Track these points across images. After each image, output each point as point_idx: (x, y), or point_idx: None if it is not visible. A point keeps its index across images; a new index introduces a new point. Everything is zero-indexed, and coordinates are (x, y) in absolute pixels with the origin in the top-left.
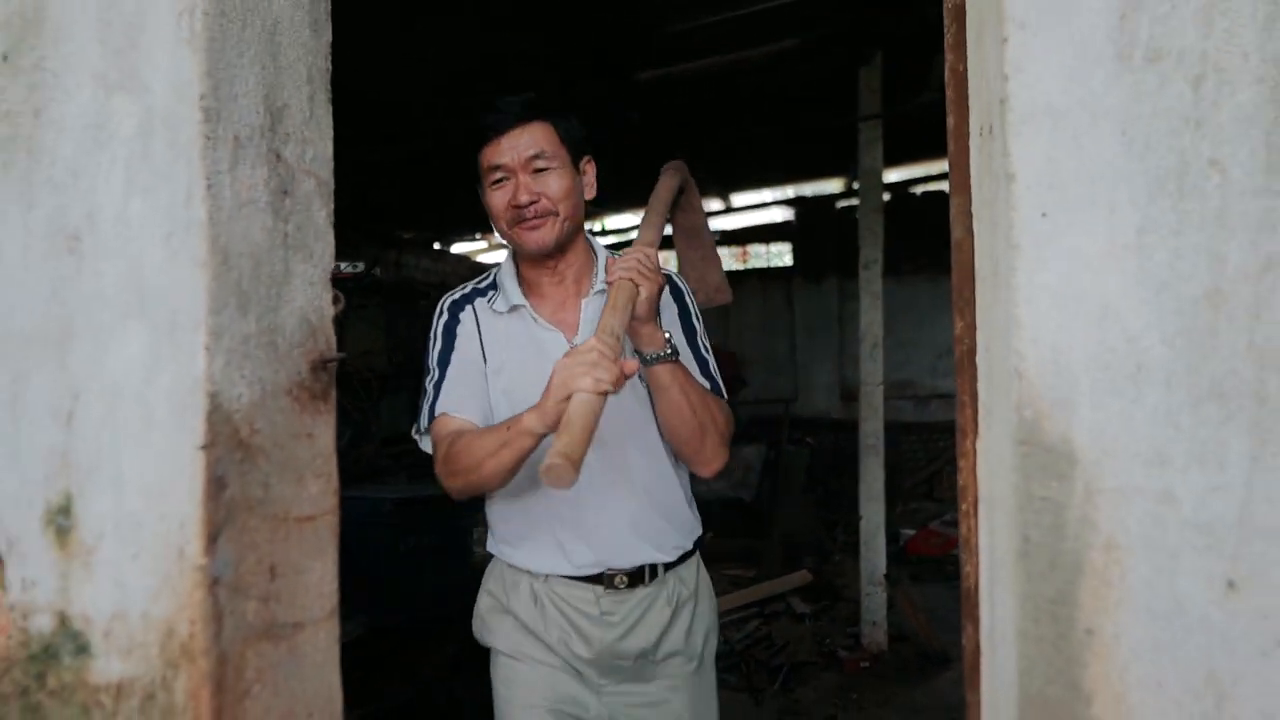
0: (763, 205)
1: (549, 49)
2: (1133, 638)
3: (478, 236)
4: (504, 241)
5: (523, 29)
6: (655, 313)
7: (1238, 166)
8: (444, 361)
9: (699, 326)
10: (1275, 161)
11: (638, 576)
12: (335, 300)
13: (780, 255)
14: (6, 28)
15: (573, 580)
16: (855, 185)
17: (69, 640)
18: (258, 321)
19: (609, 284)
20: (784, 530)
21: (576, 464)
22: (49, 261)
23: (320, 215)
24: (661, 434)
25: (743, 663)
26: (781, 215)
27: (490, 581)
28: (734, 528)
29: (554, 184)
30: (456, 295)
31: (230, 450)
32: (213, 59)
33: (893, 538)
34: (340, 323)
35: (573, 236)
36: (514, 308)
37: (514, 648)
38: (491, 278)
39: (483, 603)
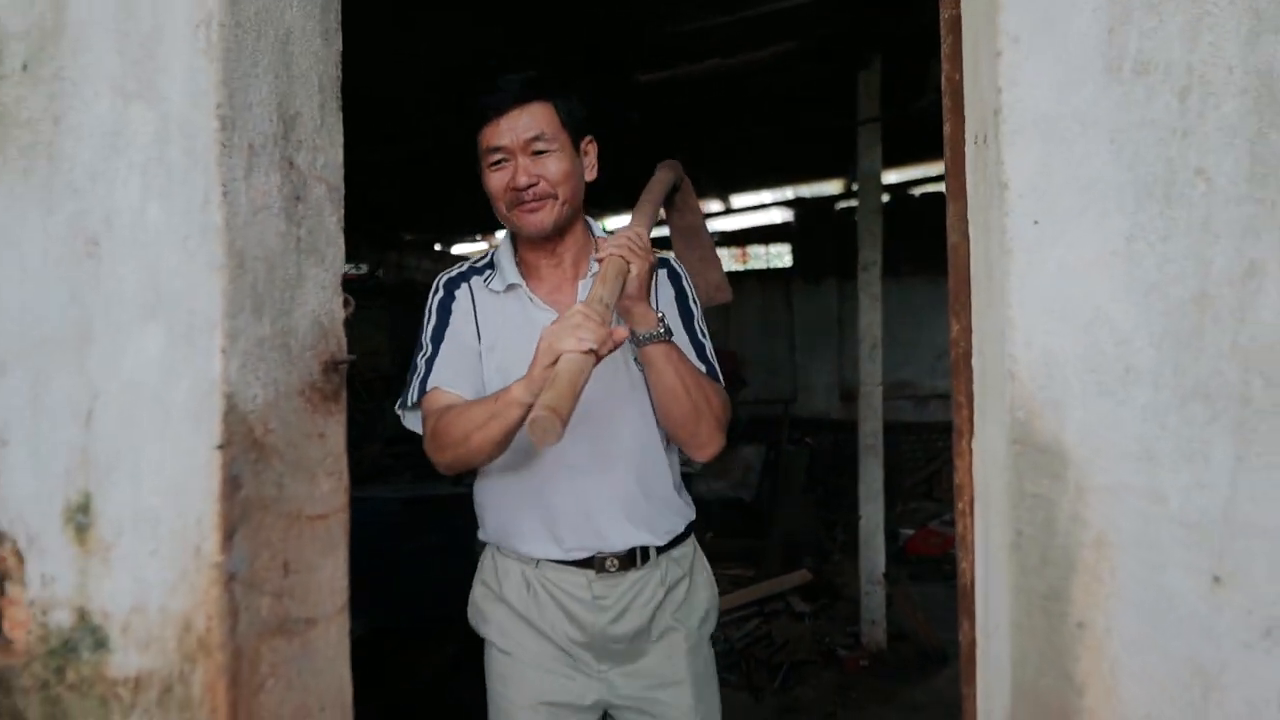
0: (762, 206)
1: (542, 45)
2: (1123, 631)
3: (478, 238)
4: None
5: (516, 25)
6: (647, 292)
7: (1222, 175)
8: (437, 338)
9: (696, 311)
10: (1259, 170)
11: (629, 560)
12: (346, 303)
13: (780, 256)
14: (26, 38)
15: (564, 565)
16: (854, 187)
17: (88, 635)
18: (272, 324)
19: (599, 261)
20: (784, 530)
21: (563, 418)
22: (68, 264)
23: (331, 220)
24: (656, 418)
25: (743, 661)
26: (781, 216)
27: (484, 570)
28: (734, 527)
29: (553, 166)
30: (453, 273)
31: (245, 450)
32: (228, 69)
33: (892, 537)
34: (348, 324)
35: (572, 219)
36: (510, 287)
37: (507, 638)
38: (489, 257)
39: (477, 591)
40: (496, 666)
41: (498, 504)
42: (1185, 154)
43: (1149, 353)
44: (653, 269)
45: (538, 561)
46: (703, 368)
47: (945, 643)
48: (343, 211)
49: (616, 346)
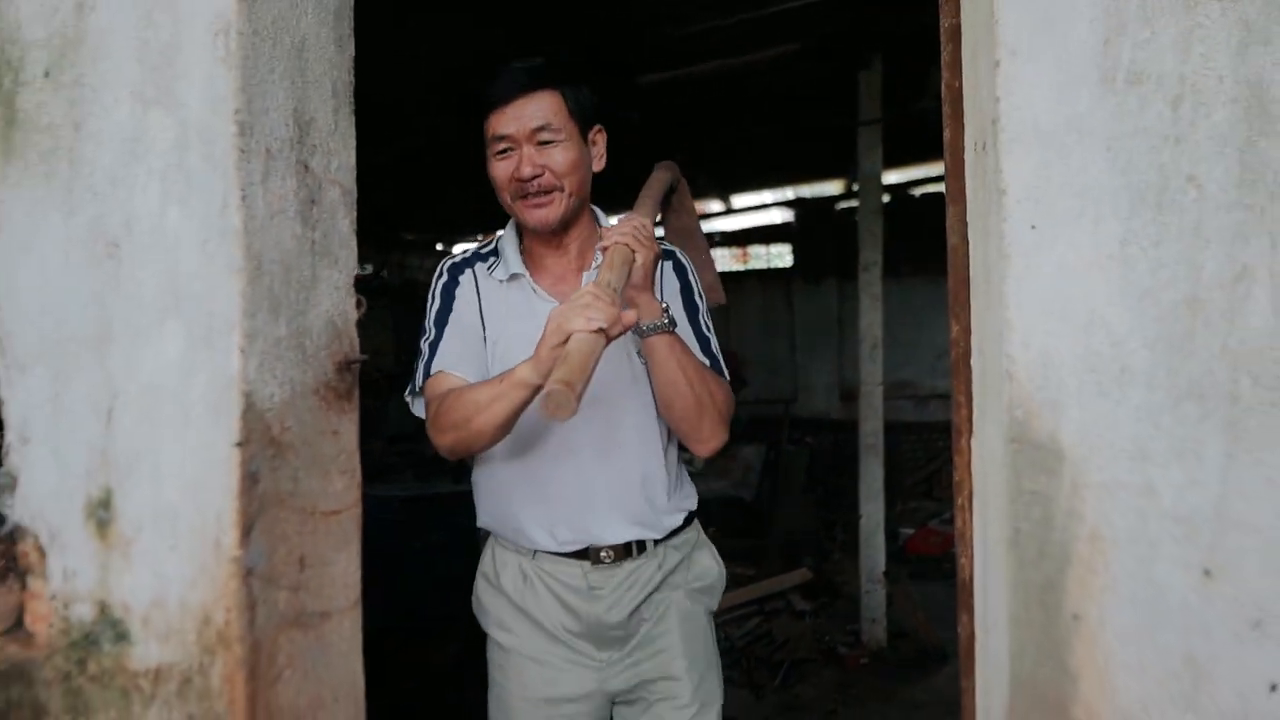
0: (763, 206)
1: (542, 46)
2: (1116, 622)
3: (479, 237)
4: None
5: (517, 26)
6: (652, 282)
7: (1213, 182)
8: (441, 321)
9: (701, 305)
10: (1248, 177)
11: (625, 551)
12: (358, 304)
13: (780, 256)
14: (47, 45)
15: (559, 556)
16: (855, 187)
17: (109, 627)
18: (288, 325)
19: (603, 250)
20: (784, 529)
21: (577, 393)
22: (88, 267)
23: (344, 223)
24: (657, 412)
25: (744, 659)
26: (781, 216)
27: (483, 563)
28: (734, 527)
29: (559, 157)
30: (457, 258)
31: (263, 447)
32: (246, 76)
33: (892, 536)
34: (358, 324)
35: (578, 211)
36: (513, 276)
37: (506, 631)
38: (494, 244)
39: (478, 583)
40: (496, 657)
41: (495, 493)
42: (1177, 161)
43: (1143, 354)
44: (657, 259)
45: (534, 552)
46: (706, 361)
47: (945, 641)
48: (355, 214)
49: (626, 329)
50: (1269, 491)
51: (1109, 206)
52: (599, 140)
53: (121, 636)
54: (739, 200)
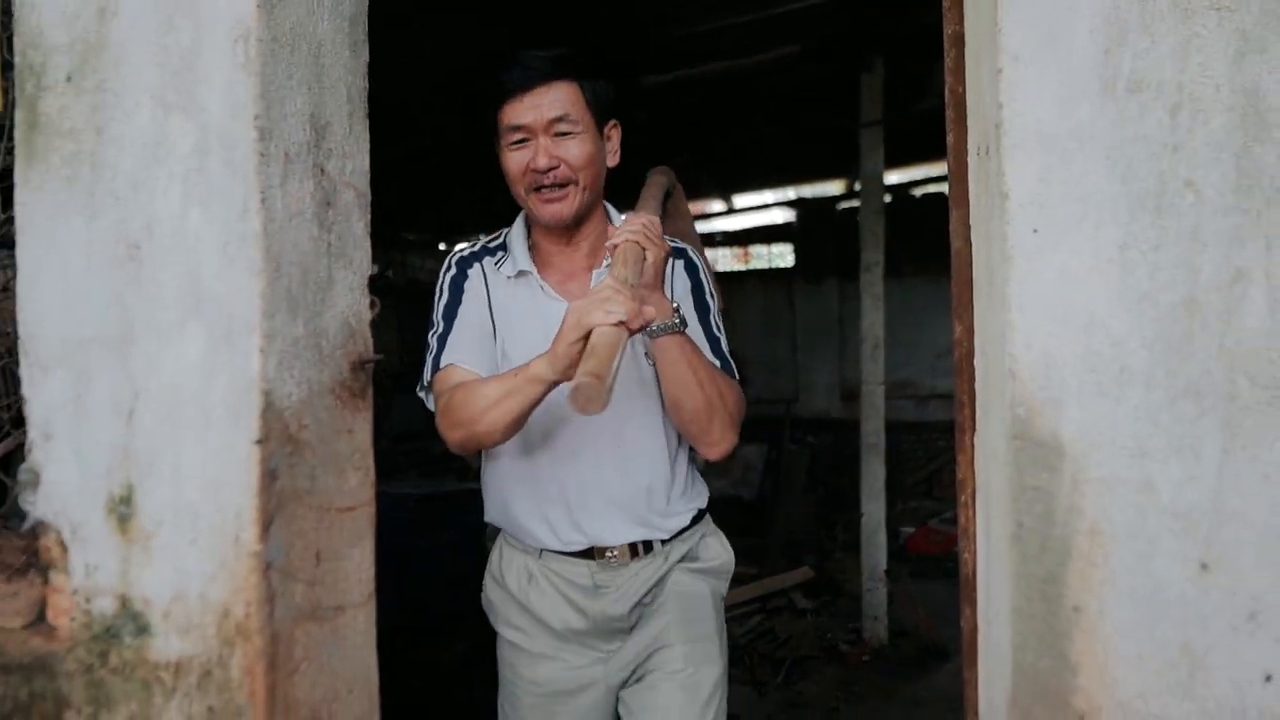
0: (764, 207)
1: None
2: (1115, 614)
3: (480, 237)
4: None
5: (522, 27)
6: (662, 281)
7: (1210, 187)
8: (450, 315)
9: (713, 305)
10: (1244, 183)
11: (632, 551)
12: (372, 304)
13: (782, 256)
14: (69, 51)
15: (565, 555)
16: (856, 187)
17: (130, 621)
18: (305, 325)
19: (613, 247)
20: (785, 528)
21: (606, 385)
22: (110, 269)
23: (359, 225)
24: (665, 414)
25: (746, 656)
26: (783, 216)
27: (492, 561)
28: (736, 526)
29: (575, 150)
30: (465, 252)
31: (281, 445)
32: (265, 81)
33: (892, 535)
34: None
35: (591, 207)
36: (521, 273)
37: (512, 628)
38: (502, 238)
39: (486, 581)
40: (505, 654)
41: (501, 490)
42: (1175, 167)
43: (1142, 354)
44: (668, 257)
45: (541, 551)
46: (717, 362)
47: (946, 639)
48: (369, 216)
49: (647, 324)
50: (1264, 487)
51: (1109, 211)
52: (614, 135)
53: (142, 630)
54: (740, 200)
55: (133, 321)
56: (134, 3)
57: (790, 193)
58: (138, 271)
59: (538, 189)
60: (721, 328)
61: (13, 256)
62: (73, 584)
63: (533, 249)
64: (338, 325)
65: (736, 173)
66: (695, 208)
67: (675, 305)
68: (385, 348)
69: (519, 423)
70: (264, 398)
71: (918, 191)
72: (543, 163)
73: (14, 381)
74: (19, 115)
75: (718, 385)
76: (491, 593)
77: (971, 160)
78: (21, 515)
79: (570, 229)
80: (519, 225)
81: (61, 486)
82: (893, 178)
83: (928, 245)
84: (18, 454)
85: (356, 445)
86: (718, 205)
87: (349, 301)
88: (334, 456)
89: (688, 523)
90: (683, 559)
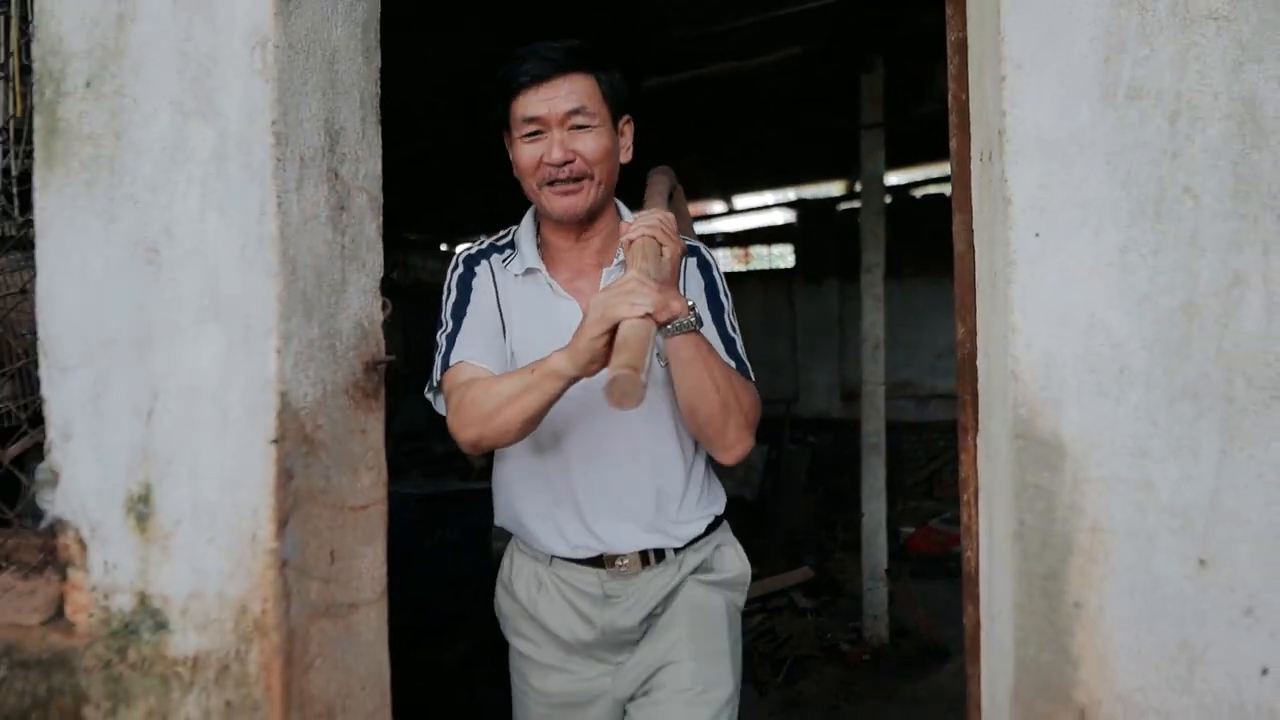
0: (764, 207)
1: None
2: (1115, 609)
3: (482, 239)
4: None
5: (524, 29)
6: (677, 279)
7: (1208, 193)
8: (458, 313)
9: (727, 304)
10: (1241, 189)
11: (643, 559)
12: (383, 306)
13: (782, 257)
14: (88, 57)
15: (574, 563)
16: (856, 188)
17: (148, 617)
18: (320, 327)
19: (628, 243)
20: (786, 528)
21: (643, 379)
22: (129, 271)
23: (371, 228)
24: (677, 418)
25: (747, 656)
26: (783, 217)
27: (503, 568)
28: (737, 526)
29: (591, 144)
30: (473, 250)
31: (297, 444)
32: (282, 87)
33: (892, 535)
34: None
35: (604, 203)
36: (529, 271)
37: (522, 638)
38: (510, 236)
39: (497, 589)
40: (515, 662)
41: (511, 494)
42: (1174, 174)
43: (1141, 356)
44: (682, 255)
45: (551, 558)
46: (732, 363)
47: (947, 638)
48: (381, 219)
49: (674, 317)
50: (1261, 486)
51: (1109, 216)
52: (627, 131)
53: (161, 626)
54: (741, 201)
55: (151, 323)
56: (152, 10)
57: (790, 194)
58: (156, 274)
59: (551, 183)
60: (736, 328)
61: (31, 259)
62: (91, 581)
63: (541, 246)
64: (351, 326)
65: (737, 174)
66: (696, 208)
67: (691, 304)
68: (391, 349)
69: (534, 421)
70: (280, 398)
71: (918, 192)
72: (557, 156)
73: (30, 382)
74: (38, 120)
75: (733, 387)
76: (502, 601)
77: (974, 165)
78: (36, 514)
79: (582, 225)
80: (527, 222)
81: (80, 485)
82: (893, 178)
83: (928, 246)
84: (32, 453)
85: (369, 445)
86: (718, 206)
87: (362, 303)
88: (347, 456)
89: (702, 530)
90: (696, 569)
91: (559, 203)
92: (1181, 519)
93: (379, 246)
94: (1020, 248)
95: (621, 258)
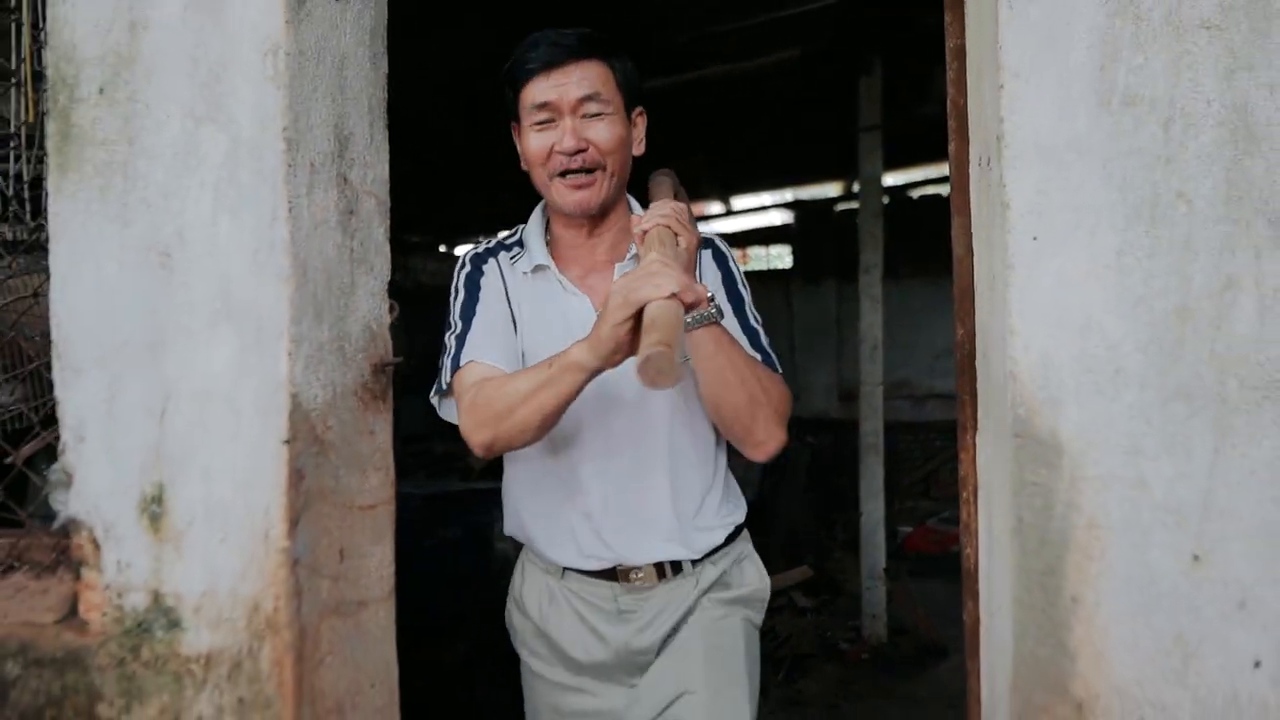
0: (762, 208)
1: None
2: (1112, 604)
3: (482, 240)
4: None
5: (524, 28)
6: (693, 270)
7: (1202, 198)
8: (467, 313)
9: (747, 296)
10: (1234, 194)
11: (659, 572)
12: (391, 309)
13: (780, 257)
14: (101, 63)
15: (588, 575)
16: (854, 188)
17: (161, 615)
18: (329, 329)
19: (642, 233)
20: (785, 528)
21: (677, 356)
22: (142, 274)
23: (379, 232)
24: (697, 419)
25: None
26: (781, 218)
27: (513, 582)
28: None
29: (605, 132)
30: (480, 249)
31: (308, 445)
32: (293, 94)
33: (891, 534)
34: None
35: (616, 197)
36: (538, 268)
37: (534, 655)
38: (518, 234)
39: (508, 602)
40: (527, 678)
41: (520, 501)
42: (1168, 179)
43: (1136, 357)
44: (698, 243)
45: (563, 571)
46: (758, 356)
47: (945, 637)
48: (389, 223)
49: (700, 300)
50: (1252, 483)
51: (1105, 220)
52: (640, 123)
53: (174, 624)
54: (739, 202)
55: (164, 326)
56: (165, 17)
57: (788, 194)
58: (169, 278)
59: (563, 174)
60: (759, 320)
61: (42, 263)
62: (105, 580)
63: (550, 243)
64: (360, 329)
65: (736, 175)
66: (694, 209)
67: (710, 295)
68: (396, 351)
69: (554, 418)
70: (292, 400)
71: (915, 193)
72: (570, 144)
73: (42, 383)
74: (52, 126)
75: (760, 380)
76: (513, 616)
77: (973, 170)
78: (46, 514)
79: (594, 220)
80: (535, 219)
81: (94, 486)
82: (890, 179)
83: (925, 247)
84: (41, 454)
85: (377, 445)
86: (716, 207)
87: (370, 306)
88: (356, 456)
89: (721, 540)
90: (713, 585)
91: (571, 196)
92: (1176, 515)
93: (386, 250)
94: (1018, 251)
95: (634, 252)
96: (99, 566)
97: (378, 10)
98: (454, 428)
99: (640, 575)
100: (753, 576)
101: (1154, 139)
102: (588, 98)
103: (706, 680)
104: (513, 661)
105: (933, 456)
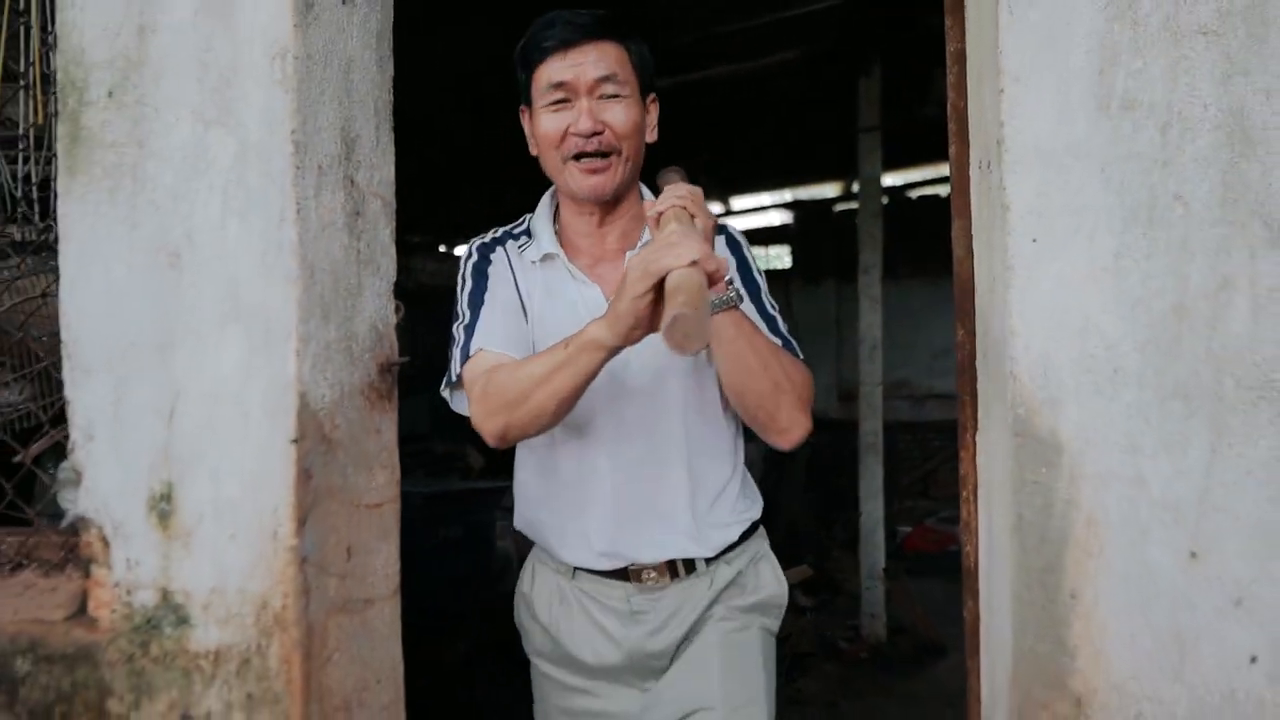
0: (761, 209)
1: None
2: (1110, 600)
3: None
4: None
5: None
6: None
7: (1198, 201)
8: (475, 302)
9: (762, 282)
10: (1230, 196)
11: (671, 570)
12: (396, 309)
13: (779, 258)
14: (110, 67)
15: (600, 575)
16: (853, 189)
17: (170, 613)
18: (337, 329)
19: (657, 215)
20: (785, 527)
21: (704, 318)
22: (151, 275)
23: (385, 233)
24: (716, 409)
25: None
26: (780, 218)
27: (522, 581)
28: None
29: (621, 115)
30: (486, 238)
31: (316, 444)
32: (301, 97)
33: (890, 534)
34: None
35: (629, 184)
36: (547, 257)
37: (542, 658)
38: (525, 223)
39: (516, 603)
40: (536, 679)
41: (530, 497)
42: (1166, 182)
43: (1134, 357)
44: (715, 228)
45: (574, 571)
46: (778, 342)
47: (943, 636)
48: (395, 224)
49: (721, 272)
50: (1248, 481)
51: (1104, 222)
52: (653, 109)
53: (183, 621)
54: (738, 202)
55: (173, 326)
56: (173, 21)
57: (787, 195)
58: (178, 279)
59: (577, 157)
60: (776, 306)
61: (50, 263)
62: (114, 578)
63: (559, 232)
64: (366, 329)
65: (735, 175)
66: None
67: (729, 278)
68: (401, 350)
69: (570, 402)
70: (300, 399)
71: (914, 194)
72: (585, 125)
73: (50, 383)
74: (62, 129)
75: (782, 365)
76: (522, 616)
77: (973, 173)
78: (54, 513)
79: (606, 207)
80: (544, 206)
81: (103, 484)
82: (889, 180)
83: (924, 247)
84: (49, 453)
85: (383, 444)
86: (716, 207)
87: (376, 306)
88: (363, 455)
89: (736, 537)
90: (728, 587)
91: (585, 181)
92: (1173, 513)
93: (392, 251)
94: (1018, 253)
95: (646, 239)
96: (108, 564)
97: (384, 14)
98: (454, 427)
99: (652, 575)
100: (769, 580)
101: (1152, 143)
102: (605, 78)
103: (724, 697)
104: (513, 660)
105: (932, 456)
